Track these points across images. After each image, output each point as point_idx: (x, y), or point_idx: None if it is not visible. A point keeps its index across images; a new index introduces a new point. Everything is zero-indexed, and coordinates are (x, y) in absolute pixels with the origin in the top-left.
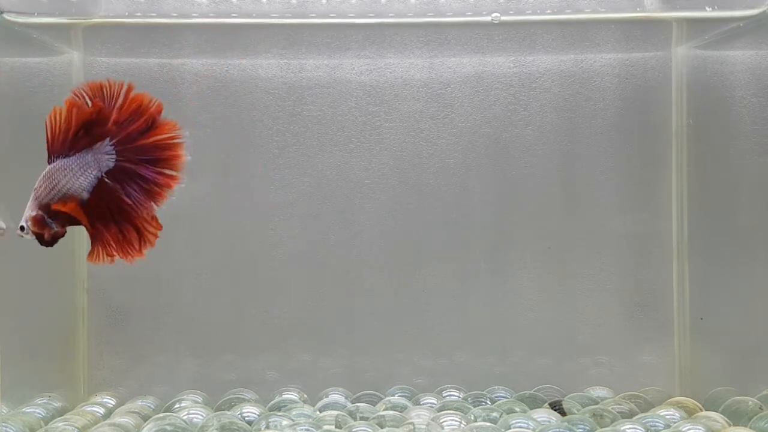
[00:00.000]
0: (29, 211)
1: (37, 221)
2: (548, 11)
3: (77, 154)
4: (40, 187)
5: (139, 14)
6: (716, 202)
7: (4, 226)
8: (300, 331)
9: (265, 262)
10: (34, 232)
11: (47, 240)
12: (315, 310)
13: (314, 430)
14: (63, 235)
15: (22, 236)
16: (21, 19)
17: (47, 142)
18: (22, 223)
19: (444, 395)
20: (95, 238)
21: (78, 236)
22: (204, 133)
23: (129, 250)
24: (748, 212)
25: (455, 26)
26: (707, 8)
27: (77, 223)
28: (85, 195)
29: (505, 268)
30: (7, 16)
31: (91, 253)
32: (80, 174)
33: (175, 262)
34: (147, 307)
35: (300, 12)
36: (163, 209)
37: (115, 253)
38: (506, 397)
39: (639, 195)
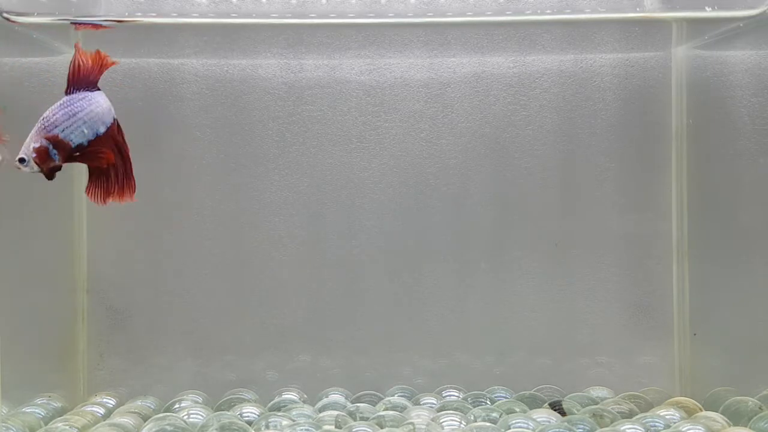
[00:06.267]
0: (33, 143)
1: (42, 153)
2: (548, 11)
3: (98, 91)
4: (53, 115)
5: (139, 14)
6: (716, 202)
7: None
8: (300, 331)
9: (265, 262)
10: (36, 163)
11: (46, 173)
12: (315, 309)
13: (314, 430)
14: (60, 169)
15: (20, 168)
16: (21, 20)
17: (72, 73)
18: (22, 154)
19: (444, 395)
20: (98, 174)
21: (78, 236)
22: (204, 133)
23: (125, 192)
24: (748, 213)
25: (455, 26)
26: (707, 8)
27: (77, 158)
28: (102, 129)
29: (505, 268)
30: (7, 16)
31: (89, 189)
32: (100, 106)
33: (175, 262)
34: (147, 307)
35: (300, 12)
36: (163, 209)
37: (112, 194)
38: (506, 397)
39: (639, 195)
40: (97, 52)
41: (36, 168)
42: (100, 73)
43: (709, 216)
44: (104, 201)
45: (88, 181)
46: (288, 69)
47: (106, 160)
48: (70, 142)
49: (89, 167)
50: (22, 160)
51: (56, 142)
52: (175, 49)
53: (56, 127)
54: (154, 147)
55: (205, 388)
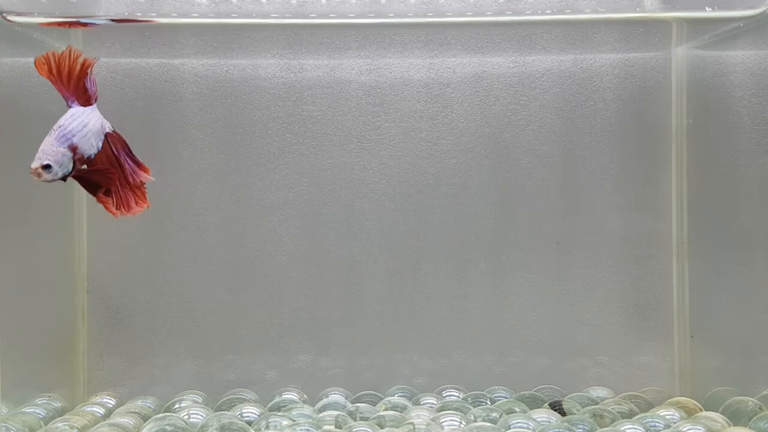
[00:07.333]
0: (58, 147)
1: (71, 155)
2: (548, 11)
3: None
4: (69, 124)
5: (139, 14)
6: (716, 202)
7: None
8: (300, 331)
9: (265, 262)
10: (76, 161)
11: (62, 178)
12: (315, 309)
13: (314, 430)
14: (65, 180)
15: (39, 175)
16: (21, 20)
17: (65, 79)
18: (47, 161)
19: (444, 395)
20: (104, 186)
21: (78, 236)
22: (204, 133)
23: (133, 203)
24: (748, 212)
25: (455, 26)
26: (707, 8)
27: (86, 174)
28: (99, 144)
29: (504, 268)
30: (7, 17)
31: (106, 200)
32: (96, 125)
33: (174, 262)
34: (147, 307)
35: (300, 12)
36: (163, 209)
37: (121, 206)
38: (506, 397)
39: (639, 195)
40: (60, 56)
41: (60, 174)
42: (75, 71)
43: (709, 216)
44: (115, 213)
45: (96, 198)
46: (288, 69)
47: (113, 180)
48: (83, 153)
49: (86, 186)
50: (47, 167)
51: (75, 150)
52: (175, 49)
53: (74, 135)
54: (154, 147)
55: (205, 388)
